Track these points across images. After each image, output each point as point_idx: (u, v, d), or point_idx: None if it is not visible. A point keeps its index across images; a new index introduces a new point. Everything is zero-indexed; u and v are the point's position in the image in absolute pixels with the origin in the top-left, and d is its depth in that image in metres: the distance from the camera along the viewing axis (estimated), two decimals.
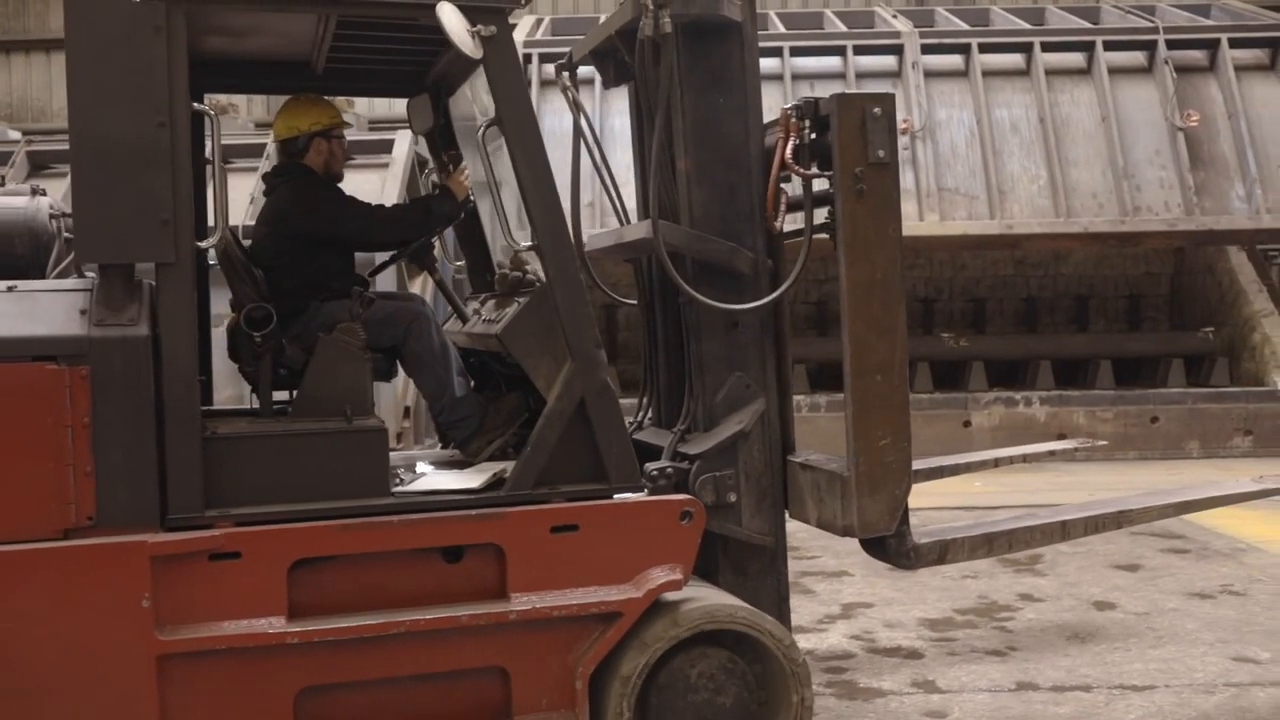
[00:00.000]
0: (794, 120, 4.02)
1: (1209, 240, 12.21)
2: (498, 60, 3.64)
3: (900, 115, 11.21)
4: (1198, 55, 12.23)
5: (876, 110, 3.86)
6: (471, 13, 3.58)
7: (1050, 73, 12.03)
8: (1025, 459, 5.75)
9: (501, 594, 3.65)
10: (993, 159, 11.65)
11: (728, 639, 3.80)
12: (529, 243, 3.79)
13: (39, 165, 11.00)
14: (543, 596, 3.64)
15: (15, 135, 13.14)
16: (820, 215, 4.11)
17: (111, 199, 3.34)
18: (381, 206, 4.44)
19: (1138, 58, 12.23)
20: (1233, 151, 11.78)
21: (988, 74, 12.10)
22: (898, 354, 3.90)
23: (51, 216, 3.73)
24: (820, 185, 4.08)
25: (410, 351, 4.10)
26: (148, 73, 3.35)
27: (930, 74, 12.07)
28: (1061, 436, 10.46)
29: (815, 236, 4.13)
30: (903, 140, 11.30)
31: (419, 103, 4.68)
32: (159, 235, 3.37)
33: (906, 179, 11.09)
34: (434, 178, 4.83)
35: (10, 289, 3.42)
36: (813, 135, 4.05)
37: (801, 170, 3.99)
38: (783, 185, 4.21)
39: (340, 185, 4.37)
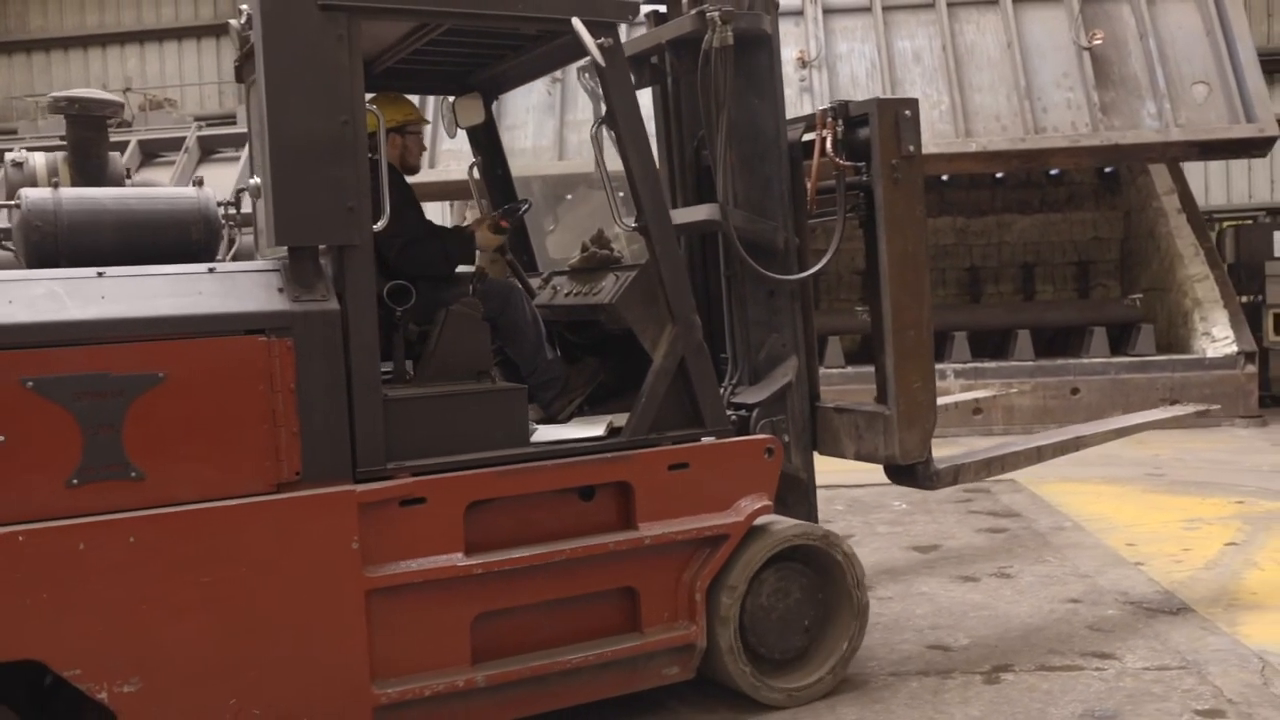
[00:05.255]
0: (829, 119, 4.79)
1: (1116, 155, 12.28)
2: (613, 67, 4.23)
3: (797, 48, 11.98)
4: None
5: (908, 112, 4.68)
6: (591, 26, 4.16)
7: (955, 4, 12.29)
8: (956, 406, 6.73)
9: (628, 525, 4.26)
10: (893, 88, 11.84)
11: (799, 555, 4.54)
12: (635, 224, 4.39)
13: (150, 154, 11.10)
14: (666, 525, 4.27)
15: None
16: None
17: (305, 189, 3.74)
18: (420, 237, 4.58)
19: None
20: (1144, 70, 11.93)
21: (891, 8, 12.35)
22: (925, 313, 4.75)
23: (219, 204, 4.05)
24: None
25: (508, 321, 4.62)
26: (333, 76, 3.77)
27: (833, 10, 12.32)
28: (977, 411, 10.83)
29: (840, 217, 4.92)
30: (801, 72, 11.67)
31: (466, 101, 5.16)
32: (346, 220, 3.80)
33: (803, 108, 11.17)
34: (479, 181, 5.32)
35: (211, 270, 3.76)
36: (842, 131, 4.83)
37: (841, 161, 4.76)
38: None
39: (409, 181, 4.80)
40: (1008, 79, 12.04)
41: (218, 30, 23.94)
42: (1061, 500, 8.21)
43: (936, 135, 11.43)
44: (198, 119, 14.32)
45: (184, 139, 10.98)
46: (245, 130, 11.20)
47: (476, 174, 5.46)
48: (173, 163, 10.35)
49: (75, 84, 22.14)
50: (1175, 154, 12.45)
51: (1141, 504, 8.09)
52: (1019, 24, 12.20)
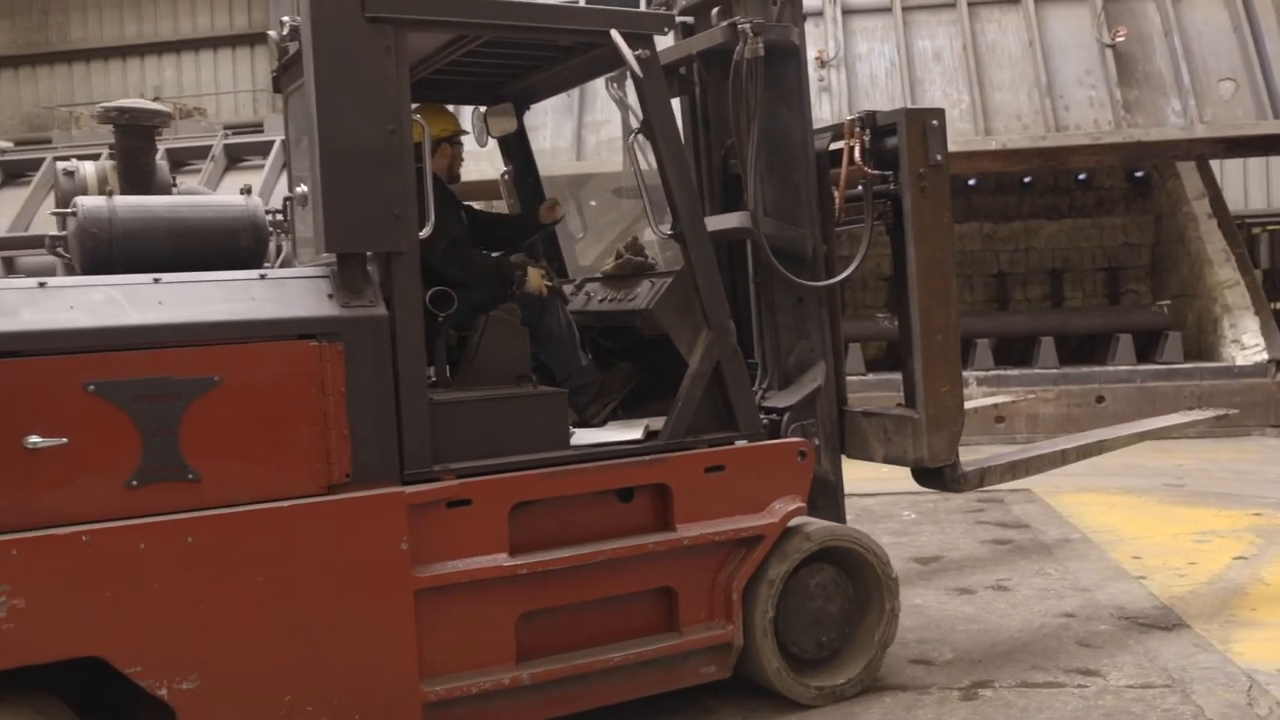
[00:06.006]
0: (857, 128, 4.89)
1: (1139, 153, 12.08)
2: (650, 78, 4.33)
3: (816, 48, 11.95)
4: None
5: (935, 122, 4.78)
6: (628, 38, 4.26)
7: (976, 3, 12.19)
8: (977, 412, 6.81)
9: (666, 526, 4.34)
10: (913, 87, 11.81)
11: (833, 555, 4.62)
12: (670, 231, 4.48)
13: (178, 162, 11.25)
14: (703, 526, 4.36)
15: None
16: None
17: (354, 197, 3.82)
18: (462, 238, 4.66)
19: None
20: (1169, 67, 11.76)
21: (911, 8, 12.25)
22: (953, 318, 4.84)
23: (266, 212, 4.14)
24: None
25: (544, 327, 4.70)
26: (380, 86, 3.86)
27: (852, 10, 12.26)
28: (1000, 419, 10.74)
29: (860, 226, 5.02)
30: (820, 72, 11.57)
31: (498, 111, 5.25)
32: (393, 227, 3.88)
33: (822, 108, 11.14)
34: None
35: (262, 276, 3.84)
36: (869, 140, 4.92)
37: (869, 170, 4.85)
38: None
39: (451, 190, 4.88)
40: (1029, 77, 11.97)
41: (253, 39, 24.19)
42: (1074, 511, 8.07)
43: (956, 134, 11.11)
44: (228, 127, 14.49)
45: (210, 147, 11.17)
46: (271, 139, 11.40)
47: (506, 175, 5.55)
48: (199, 170, 10.47)
49: (113, 93, 22.54)
50: (1200, 151, 12.27)
51: (1155, 515, 7.93)
52: (1041, 22, 12.09)
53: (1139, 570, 6.38)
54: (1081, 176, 14.43)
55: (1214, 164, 13.71)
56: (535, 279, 4.71)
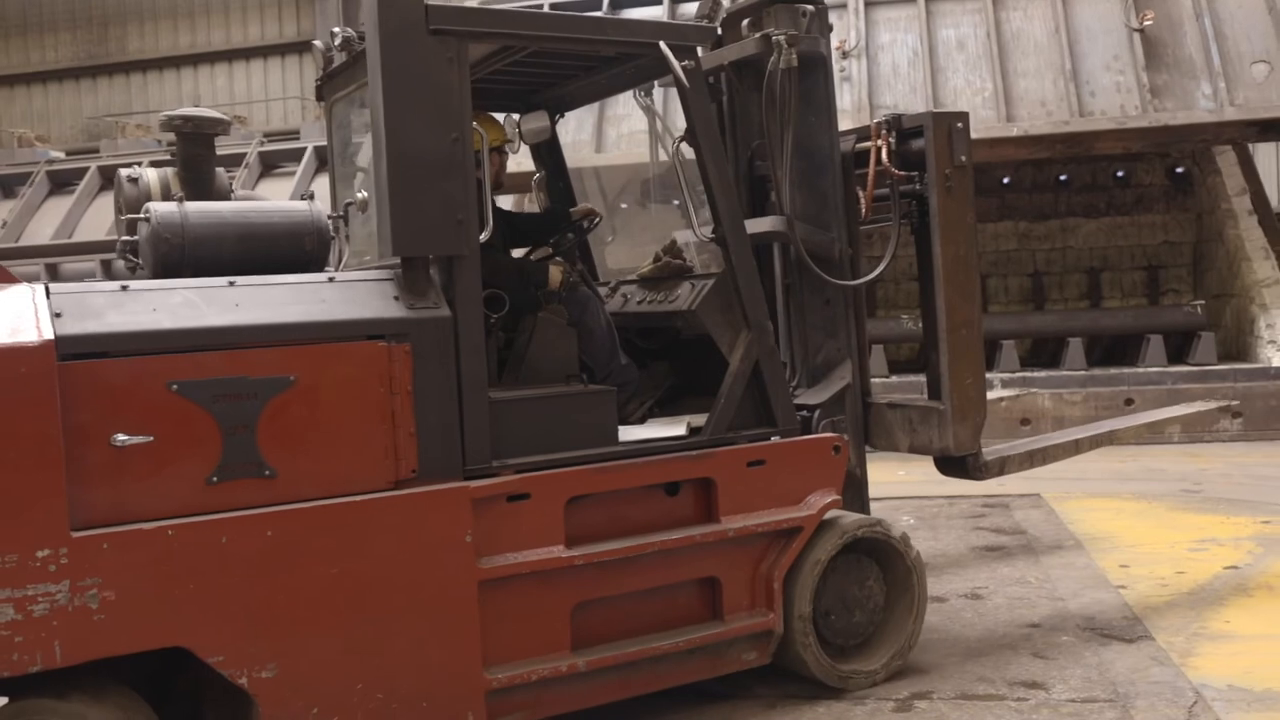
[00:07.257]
0: (884, 131, 5.07)
1: (1166, 137, 11.85)
2: (694, 88, 4.49)
3: (838, 38, 11.89)
4: None
5: (959, 125, 4.98)
6: (674, 50, 4.43)
7: None
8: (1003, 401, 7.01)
9: (710, 518, 4.51)
10: (935, 76, 11.71)
11: (867, 547, 4.81)
12: (712, 234, 4.64)
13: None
14: (745, 518, 4.53)
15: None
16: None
17: (419, 203, 3.96)
18: (493, 243, 4.65)
19: None
20: (1199, 50, 11.55)
21: None
22: (976, 313, 5.05)
23: (329, 217, 4.27)
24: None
25: (585, 328, 4.85)
26: (444, 96, 4.00)
27: (876, 1, 12.30)
28: (1025, 421, 10.60)
29: (885, 225, 5.22)
30: (841, 63, 11.52)
31: (532, 118, 5.39)
32: (456, 232, 4.03)
33: (842, 98, 11.05)
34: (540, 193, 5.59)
35: (331, 279, 3.98)
36: (895, 142, 5.11)
37: (896, 171, 5.04)
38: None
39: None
40: (1054, 64, 11.86)
41: (301, 47, 24.40)
42: (1077, 517, 7.89)
43: (978, 121, 10.46)
44: (273, 134, 14.61)
45: (245, 154, 11.29)
46: (303, 145, 11.44)
47: (539, 178, 5.69)
48: (234, 176, 10.64)
49: (168, 103, 23.07)
50: (1231, 135, 12.09)
51: (1159, 522, 7.69)
52: (1067, 8, 12.02)
53: (1121, 580, 6.24)
54: (1120, 174, 14.25)
55: (1267, 159, 13.34)
56: (553, 275, 4.88)
